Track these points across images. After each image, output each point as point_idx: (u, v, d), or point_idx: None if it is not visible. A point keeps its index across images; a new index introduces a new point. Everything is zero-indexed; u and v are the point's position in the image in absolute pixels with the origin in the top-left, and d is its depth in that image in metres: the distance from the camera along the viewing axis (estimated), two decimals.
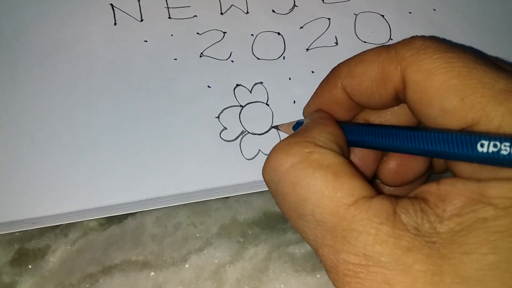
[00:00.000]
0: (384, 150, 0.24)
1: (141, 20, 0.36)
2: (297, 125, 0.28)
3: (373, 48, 0.22)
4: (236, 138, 0.32)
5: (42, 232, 0.33)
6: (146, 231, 0.33)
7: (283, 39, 0.36)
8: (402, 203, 0.18)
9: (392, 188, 0.26)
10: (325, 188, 0.18)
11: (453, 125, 0.19)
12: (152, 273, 0.32)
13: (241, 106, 0.33)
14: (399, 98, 0.22)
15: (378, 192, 0.19)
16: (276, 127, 0.33)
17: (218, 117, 0.33)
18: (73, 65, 0.34)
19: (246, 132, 0.33)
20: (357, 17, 0.37)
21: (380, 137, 0.21)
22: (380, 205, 0.18)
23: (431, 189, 0.18)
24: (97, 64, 0.34)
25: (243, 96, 0.34)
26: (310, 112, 0.25)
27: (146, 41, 0.35)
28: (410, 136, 0.20)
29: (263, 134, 0.33)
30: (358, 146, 0.23)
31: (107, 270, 0.32)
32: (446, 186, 0.18)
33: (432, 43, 0.20)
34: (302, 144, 0.20)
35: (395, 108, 0.24)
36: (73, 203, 0.31)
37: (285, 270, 0.32)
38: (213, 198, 0.33)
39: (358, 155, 0.25)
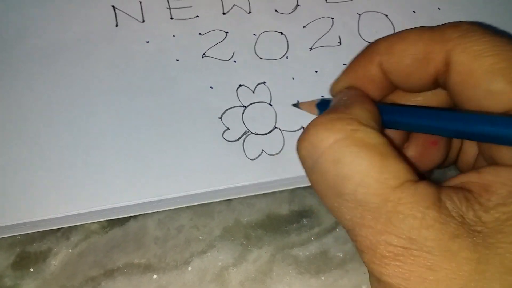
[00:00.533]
0: (421, 131, 0.23)
1: (143, 21, 0.36)
2: (323, 103, 0.27)
3: (416, 27, 0.21)
4: (239, 139, 0.32)
5: (44, 235, 0.32)
6: (149, 234, 0.32)
7: (286, 39, 0.36)
8: (446, 191, 0.18)
9: None
10: (371, 168, 0.18)
11: (497, 108, 0.18)
12: (155, 276, 0.31)
13: (244, 106, 0.33)
14: (437, 82, 0.21)
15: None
16: (296, 105, 0.31)
17: (220, 118, 0.33)
18: (75, 66, 0.34)
19: (249, 132, 0.32)
20: (361, 16, 0.37)
21: (425, 119, 0.21)
22: (426, 189, 0.18)
23: (473, 178, 0.18)
24: (99, 65, 0.34)
25: (246, 97, 0.33)
26: (341, 89, 0.24)
27: (148, 42, 0.35)
28: (457, 118, 0.19)
29: (266, 134, 0.32)
30: (392, 127, 0.22)
31: (109, 273, 0.31)
32: (489, 176, 0.18)
33: (479, 27, 0.20)
34: (345, 120, 0.19)
35: (428, 92, 0.23)
36: (74, 206, 0.31)
37: (289, 272, 0.32)
38: (216, 200, 0.33)
39: None
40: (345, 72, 0.24)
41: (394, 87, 0.23)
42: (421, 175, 0.19)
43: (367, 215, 0.18)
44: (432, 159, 0.24)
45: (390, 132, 0.23)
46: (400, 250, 0.17)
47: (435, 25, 0.21)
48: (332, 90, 0.25)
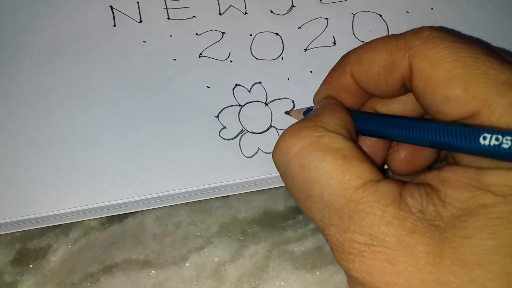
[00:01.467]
0: (389, 139, 0.25)
1: (140, 21, 0.36)
2: (308, 111, 0.29)
3: (382, 36, 0.22)
4: (235, 137, 0.33)
5: (43, 231, 0.33)
6: (147, 230, 0.33)
7: (282, 40, 0.36)
8: (408, 187, 0.19)
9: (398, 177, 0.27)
10: (334, 170, 0.19)
11: (455, 114, 0.19)
12: (153, 272, 0.32)
13: (240, 105, 0.34)
14: (406, 87, 0.22)
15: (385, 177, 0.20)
16: (288, 112, 0.33)
17: (217, 117, 0.33)
18: (72, 65, 0.34)
19: (246, 131, 0.33)
20: (355, 16, 0.37)
21: (385, 127, 0.22)
22: (386, 188, 0.19)
23: (434, 175, 0.19)
24: (97, 65, 0.35)
25: (242, 96, 0.34)
26: (320, 99, 0.26)
27: (145, 41, 0.36)
28: (413, 126, 0.20)
29: (262, 133, 0.33)
30: (365, 134, 0.24)
31: (108, 269, 0.32)
32: (447, 173, 0.18)
33: (440, 33, 0.20)
34: (312, 128, 0.21)
35: (402, 97, 0.24)
36: (73, 203, 0.31)
37: (285, 267, 0.32)
38: (213, 197, 0.33)
39: (367, 143, 0.25)
40: (322, 83, 0.26)
41: (368, 94, 0.24)
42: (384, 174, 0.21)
43: (333, 215, 0.19)
44: (423, 158, 0.25)
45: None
46: (363, 246, 0.18)
47: (429, 24, 0.22)
48: (314, 100, 0.27)
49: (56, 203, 0.31)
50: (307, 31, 0.36)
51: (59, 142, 0.32)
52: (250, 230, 0.33)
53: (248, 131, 0.33)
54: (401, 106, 0.24)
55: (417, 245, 0.17)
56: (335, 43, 0.36)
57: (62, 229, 0.33)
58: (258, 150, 0.32)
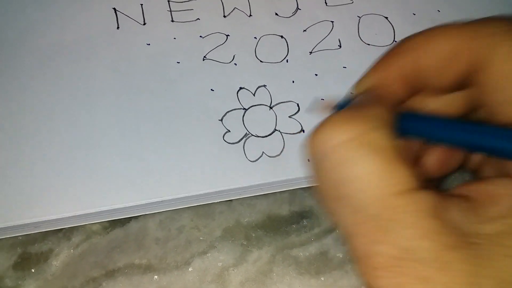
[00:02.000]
0: (435, 141, 0.22)
1: (144, 24, 0.36)
2: (340, 106, 0.25)
3: (448, 23, 0.21)
4: (239, 141, 0.32)
5: (45, 235, 0.33)
6: (150, 235, 0.33)
7: (286, 42, 0.36)
8: (447, 200, 0.17)
9: None
10: (373, 173, 0.17)
11: None
12: (156, 277, 0.32)
13: (244, 109, 0.33)
14: (465, 82, 0.20)
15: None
16: (313, 107, 0.30)
17: (221, 120, 0.33)
18: (75, 68, 0.34)
19: (250, 134, 0.33)
20: (361, 19, 0.37)
21: (438, 129, 0.20)
22: (426, 199, 0.17)
23: (477, 188, 0.18)
24: (100, 68, 0.34)
25: (247, 99, 0.34)
26: (365, 88, 0.22)
27: (149, 44, 0.35)
28: (478, 131, 0.18)
29: (266, 136, 0.33)
30: (407, 133, 0.21)
31: (111, 274, 0.32)
32: (494, 186, 0.17)
33: None
34: (358, 119, 0.18)
35: (451, 95, 0.22)
36: (76, 207, 0.31)
37: (289, 273, 0.32)
38: (216, 201, 0.33)
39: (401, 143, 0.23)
40: (372, 70, 0.22)
41: (420, 86, 0.22)
42: (427, 182, 0.18)
43: (364, 222, 0.17)
44: (453, 163, 0.23)
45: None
46: (394, 260, 0.16)
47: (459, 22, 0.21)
48: (356, 88, 0.23)
49: (58, 207, 0.31)
50: (312, 33, 0.36)
51: (61, 145, 0.32)
52: (254, 235, 0.33)
53: (253, 135, 0.33)
54: (447, 104, 0.22)
55: (454, 262, 0.16)
56: (340, 46, 0.36)
57: (64, 233, 0.33)
58: (262, 154, 0.32)
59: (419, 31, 0.21)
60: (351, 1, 0.38)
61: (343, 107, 0.22)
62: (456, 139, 0.19)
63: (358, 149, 0.17)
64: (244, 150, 0.32)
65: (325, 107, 0.26)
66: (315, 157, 0.19)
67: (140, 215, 0.33)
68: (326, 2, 0.38)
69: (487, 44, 0.18)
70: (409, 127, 0.21)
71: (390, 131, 0.18)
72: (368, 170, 0.17)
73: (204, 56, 0.35)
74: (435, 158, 0.23)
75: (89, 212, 0.31)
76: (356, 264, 0.18)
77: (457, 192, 0.18)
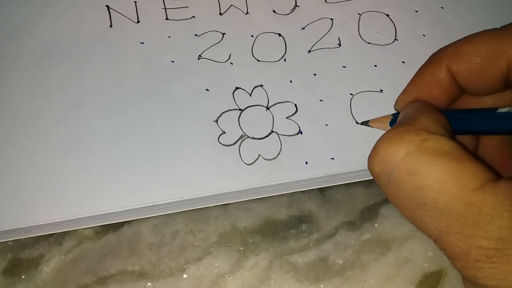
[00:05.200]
0: (487, 134, 0.24)
1: (138, 22, 0.35)
2: (394, 119, 0.27)
3: (483, 30, 0.22)
4: (235, 143, 0.31)
5: (36, 240, 0.32)
6: (143, 240, 0.32)
7: (284, 41, 0.35)
8: None
9: None
10: (448, 173, 0.18)
11: None
12: (149, 284, 0.31)
13: (240, 109, 0.32)
14: (508, 81, 0.21)
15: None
16: (365, 123, 0.30)
17: (216, 121, 0.32)
18: (67, 68, 0.34)
19: (246, 136, 0.32)
20: (361, 17, 0.36)
21: (486, 122, 0.21)
22: (507, 187, 0.17)
23: None
24: (92, 67, 0.34)
25: (243, 100, 0.33)
26: (408, 101, 0.24)
27: (143, 43, 0.34)
28: None
29: (263, 138, 0.32)
30: (461, 133, 0.23)
31: (102, 281, 0.31)
32: None
33: None
34: (413, 132, 0.19)
35: (496, 95, 0.23)
36: (67, 212, 0.30)
37: (287, 280, 0.31)
38: (212, 205, 0.32)
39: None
40: (412, 82, 0.24)
41: (461, 92, 0.23)
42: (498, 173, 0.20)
43: (452, 222, 0.18)
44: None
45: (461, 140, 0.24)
46: (492, 252, 0.17)
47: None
48: (398, 103, 0.25)
49: (50, 212, 0.30)
50: (311, 31, 0.35)
51: (52, 148, 0.31)
52: (250, 240, 0.32)
53: (249, 137, 0.32)
54: (494, 104, 0.24)
55: None
56: (340, 45, 0.35)
57: (55, 238, 0.32)
58: (258, 157, 0.31)
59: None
60: None
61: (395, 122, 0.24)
62: (504, 127, 0.21)
63: (424, 156, 0.18)
64: (239, 152, 0.31)
65: (378, 124, 0.28)
66: (382, 176, 0.20)
67: (133, 220, 0.32)
68: None
69: None
70: (461, 125, 0.22)
71: (446, 133, 0.20)
72: (441, 174, 0.18)
73: (199, 55, 0.34)
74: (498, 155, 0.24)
75: (81, 216, 0.30)
76: (454, 262, 0.18)
77: None
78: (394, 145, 0.19)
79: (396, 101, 0.25)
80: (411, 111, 0.23)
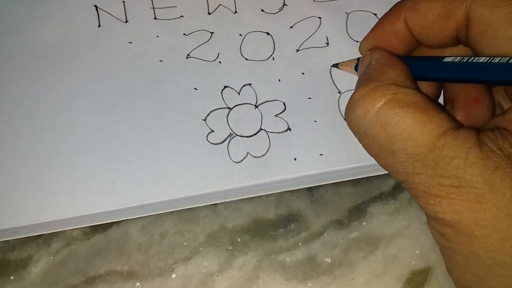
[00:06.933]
0: (445, 81, 0.26)
1: (126, 22, 0.35)
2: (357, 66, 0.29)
3: None
4: (223, 141, 0.31)
5: (24, 241, 0.32)
6: (131, 240, 0.32)
7: (273, 39, 0.35)
8: (484, 132, 0.20)
9: None
10: (415, 123, 0.20)
11: None
12: (138, 284, 0.31)
13: (229, 108, 0.32)
14: (457, 37, 0.23)
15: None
16: (335, 65, 0.33)
17: (205, 120, 0.32)
18: (55, 68, 0.33)
19: (234, 134, 0.31)
20: (349, 16, 0.36)
21: (447, 70, 0.23)
22: (466, 133, 0.20)
23: (501, 118, 0.21)
24: (80, 67, 0.33)
25: (231, 98, 0.33)
26: (369, 47, 0.26)
27: (131, 42, 0.34)
28: (482, 66, 0.21)
29: (251, 136, 0.31)
30: (419, 79, 0.24)
31: (91, 281, 0.31)
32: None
33: None
34: (384, 87, 0.22)
35: (449, 48, 0.26)
36: (55, 212, 0.30)
37: (275, 278, 0.31)
38: (200, 205, 0.32)
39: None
40: (373, 29, 0.27)
41: (417, 43, 0.25)
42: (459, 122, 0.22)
43: (417, 164, 0.20)
44: (479, 116, 0.25)
45: (423, 86, 0.26)
46: (450, 188, 0.19)
47: None
48: (361, 47, 0.27)
49: (38, 213, 0.30)
50: (299, 30, 0.35)
51: (40, 149, 0.31)
52: (239, 240, 0.32)
53: (237, 135, 0.32)
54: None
55: (502, 181, 0.18)
56: (328, 44, 0.35)
57: (44, 239, 0.32)
58: (247, 155, 0.31)
59: None
60: None
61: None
62: (449, 76, 0.23)
63: (395, 109, 0.21)
64: (228, 151, 0.31)
65: (345, 67, 0.32)
66: (358, 130, 0.22)
67: (122, 220, 0.32)
68: None
69: (472, 1, 0.22)
70: (414, 71, 0.24)
71: (413, 84, 0.22)
72: (409, 124, 0.20)
73: (188, 54, 0.34)
74: (458, 114, 0.26)
75: (69, 217, 0.30)
76: (417, 199, 0.21)
77: (489, 126, 0.21)
78: (368, 101, 0.21)
79: (360, 45, 0.27)
80: (374, 63, 0.25)
